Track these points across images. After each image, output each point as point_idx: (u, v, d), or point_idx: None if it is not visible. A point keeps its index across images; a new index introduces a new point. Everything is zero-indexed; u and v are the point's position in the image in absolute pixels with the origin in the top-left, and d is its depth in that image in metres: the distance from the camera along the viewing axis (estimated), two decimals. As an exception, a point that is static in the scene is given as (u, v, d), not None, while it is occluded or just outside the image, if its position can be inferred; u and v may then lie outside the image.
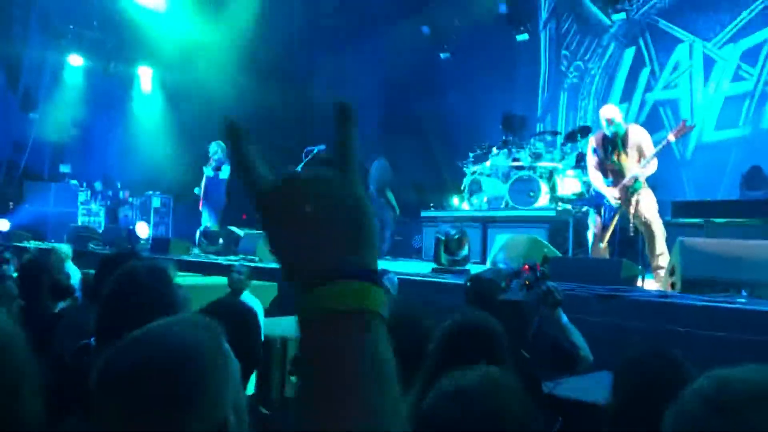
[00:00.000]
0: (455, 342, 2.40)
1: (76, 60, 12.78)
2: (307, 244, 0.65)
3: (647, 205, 6.32)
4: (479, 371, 1.73)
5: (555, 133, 10.53)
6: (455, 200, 10.39)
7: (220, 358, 1.13)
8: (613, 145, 6.41)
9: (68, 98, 12.59)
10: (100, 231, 10.75)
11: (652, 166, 6.31)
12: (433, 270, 6.74)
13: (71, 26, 11.85)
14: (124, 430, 1.06)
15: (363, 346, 0.62)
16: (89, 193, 12.03)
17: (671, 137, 6.16)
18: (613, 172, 6.47)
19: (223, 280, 5.85)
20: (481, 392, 1.66)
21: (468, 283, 4.21)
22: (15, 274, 5.03)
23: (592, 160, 6.62)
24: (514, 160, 9.68)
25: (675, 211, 8.01)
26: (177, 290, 2.35)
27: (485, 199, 9.81)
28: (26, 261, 3.74)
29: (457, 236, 6.76)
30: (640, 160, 6.34)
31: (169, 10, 12.41)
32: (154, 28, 12.56)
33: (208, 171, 10.18)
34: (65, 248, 6.70)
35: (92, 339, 2.26)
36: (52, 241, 10.07)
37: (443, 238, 6.82)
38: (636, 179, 6.29)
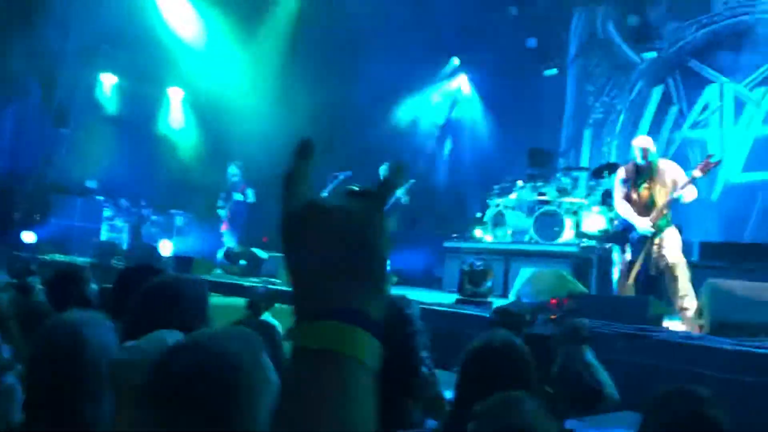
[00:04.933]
0: (483, 360, 2.39)
1: (109, 78, 13.05)
2: (311, 274, 0.64)
3: (671, 245, 6.23)
4: (506, 397, 1.74)
5: (582, 169, 10.50)
6: (478, 232, 10.36)
7: (260, 372, 1.17)
8: (644, 176, 6.34)
9: (99, 115, 12.83)
10: (124, 247, 10.87)
11: (692, 192, 6.20)
12: (457, 301, 6.68)
13: (106, 45, 12.11)
14: (167, 429, 1.11)
15: (323, 386, 0.61)
16: (114, 209, 12.18)
17: (697, 173, 6.08)
18: (639, 205, 6.37)
19: (242, 301, 5.85)
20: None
21: (493, 315, 4.18)
22: (40, 285, 5.08)
23: (620, 191, 6.54)
24: (540, 194, 9.65)
25: (703, 252, 7.93)
26: (206, 304, 2.38)
27: (509, 232, 9.77)
28: (57, 272, 3.78)
29: (482, 268, 6.72)
30: (668, 195, 6.27)
31: (207, 45, 12.70)
32: (186, 51, 12.82)
33: (237, 195, 10.28)
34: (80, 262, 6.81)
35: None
36: (76, 255, 10.18)
37: (468, 269, 6.78)
38: (664, 215, 6.23)
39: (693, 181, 6.12)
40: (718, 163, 6.36)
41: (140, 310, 2.29)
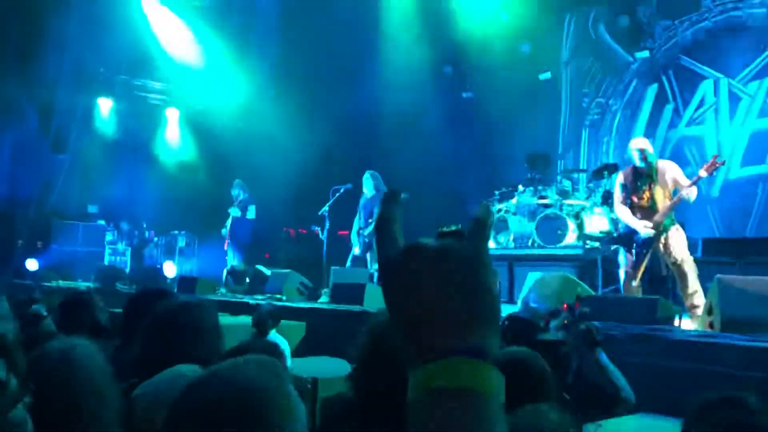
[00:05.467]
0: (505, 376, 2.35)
1: (105, 103, 13.06)
2: (422, 317, 0.65)
3: (678, 243, 6.25)
4: (533, 410, 1.72)
5: (582, 171, 10.50)
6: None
7: (286, 401, 1.15)
8: (644, 179, 6.36)
9: (97, 140, 12.85)
10: (127, 271, 10.84)
11: (693, 192, 6.23)
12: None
13: (102, 69, 12.14)
14: None
15: (461, 425, 0.61)
16: (116, 233, 12.15)
17: (703, 173, 6.11)
18: (641, 208, 6.39)
19: (248, 319, 5.81)
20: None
21: (505, 323, 4.15)
22: (45, 313, 5.06)
23: (619, 196, 6.57)
24: (541, 197, 9.64)
25: (706, 249, 7.92)
26: (218, 327, 2.40)
27: (511, 237, 9.76)
28: (68, 298, 3.77)
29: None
30: (670, 196, 6.29)
31: (203, 65, 12.74)
32: (183, 72, 12.85)
33: (235, 211, 10.30)
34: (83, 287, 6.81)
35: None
36: (79, 280, 10.15)
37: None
38: (668, 216, 6.25)
39: (698, 180, 6.15)
40: (723, 163, 6.39)
41: (152, 336, 2.29)
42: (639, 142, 6.50)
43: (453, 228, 0.69)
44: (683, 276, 6.13)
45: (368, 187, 9.33)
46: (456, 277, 0.65)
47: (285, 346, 5.00)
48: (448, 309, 0.64)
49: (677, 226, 6.36)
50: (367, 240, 9.31)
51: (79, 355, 1.86)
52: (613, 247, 7.61)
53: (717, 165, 6.17)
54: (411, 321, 0.65)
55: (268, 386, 1.13)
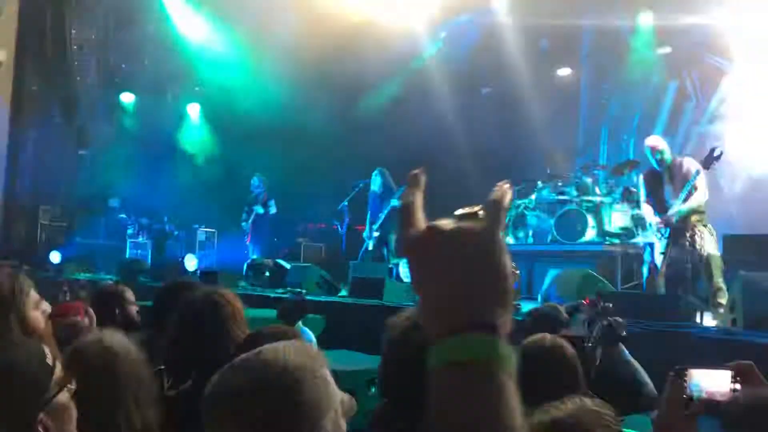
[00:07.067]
0: (531, 361, 2.35)
1: (127, 97, 13.21)
2: (441, 294, 0.69)
3: (705, 239, 6.24)
4: (576, 403, 1.69)
5: (602, 167, 10.44)
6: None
7: (322, 386, 1.17)
8: (662, 177, 6.40)
9: (119, 134, 13.01)
10: (149, 264, 10.95)
11: (700, 196, 6.22)
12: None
13: (124, 65, 12.27)
14: None
15: (476, 395, 0.65)
16: (137, 226, 12.25)
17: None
18: (662, 207, 6.41)
19: (271, 312, 5.88)
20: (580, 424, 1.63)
21: (527, 318, 4.17)
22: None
23: (642, 195, 6.68)
24: (560, 193, 9.60)
25: (728, 245, 7.86)
26: (244, 319, 2.45)
27: (530, 233, 9.74)
28: (100, 292, 3.83)
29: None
30: (681, 192, 6.32)
31: (224, 60, 12.82)
32: (204, 67, 12.93)
33: (258, 209, 10.38)
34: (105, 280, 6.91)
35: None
36: (102, 273, 10.27)
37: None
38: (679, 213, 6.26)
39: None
40: (720, 154, 6.40)
41: (182, 327, 2.35)
42: (652, 141, 6.51)
43: (468, 210, 0.72)
44: (708, 272, 6.13)
45: (376, 183, 9.36)
46: (470, 258, 0.68)
47: (311, 337, 5.04)
48: (462, 288, 0.68)
49: (706, 222, 6.37)
50: (378, 235, 9.36)
51: (117, 345, 1.91)
52: (642, 242, 7.60)
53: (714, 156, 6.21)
54: (430, 299, 0.70)
55: (306, 370, 1.15)
